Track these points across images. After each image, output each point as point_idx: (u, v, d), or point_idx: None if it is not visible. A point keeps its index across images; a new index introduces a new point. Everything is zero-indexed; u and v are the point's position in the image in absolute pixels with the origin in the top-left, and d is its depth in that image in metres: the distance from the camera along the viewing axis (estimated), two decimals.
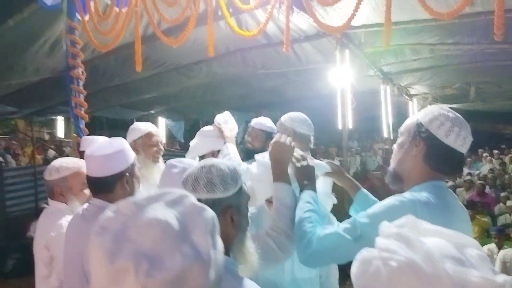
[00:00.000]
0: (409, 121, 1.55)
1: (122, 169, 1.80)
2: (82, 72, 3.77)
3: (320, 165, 1.92)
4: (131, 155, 1.89)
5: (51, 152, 14.22)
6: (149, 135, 2.68)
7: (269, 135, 3.19)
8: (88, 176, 1.85)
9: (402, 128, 1.57)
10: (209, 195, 1.26)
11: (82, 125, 3.79)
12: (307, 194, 1.67)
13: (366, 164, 13.64)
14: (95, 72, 5.70)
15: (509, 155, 12.18)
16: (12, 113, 7.80)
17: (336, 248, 1.43)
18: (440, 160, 1.46)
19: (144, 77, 6.67)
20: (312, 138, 2.53)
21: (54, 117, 11.14)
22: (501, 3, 2.21)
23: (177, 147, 15.32)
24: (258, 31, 3.14)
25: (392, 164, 1.57)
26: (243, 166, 2.28)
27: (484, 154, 12.82)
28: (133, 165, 1.87)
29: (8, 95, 6.45)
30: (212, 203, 1.21)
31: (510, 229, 5.74)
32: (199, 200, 1.18)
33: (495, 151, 13.43)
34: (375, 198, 1.90)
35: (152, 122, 10.58)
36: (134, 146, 2.61)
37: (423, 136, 1.46)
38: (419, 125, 1.48)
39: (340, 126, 5.96)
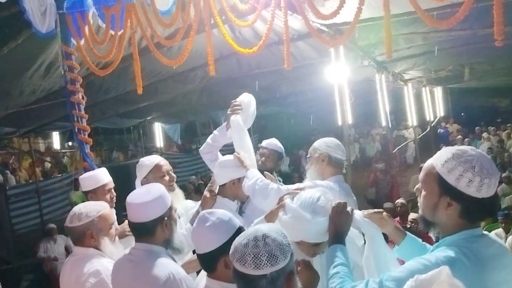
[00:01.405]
0: (428, 170, 1.49)
1: (161, 213, 1.93)
2: (83, 96, 3.75)
3: (367, 226, 1.87)
4: (169, 199, 2.00)
5: (48, 164, 14.19)
6: (157, 167, 2.75)
7: (280, 155, 3.30)
8: (130, 222, 1.96)
9: (421, 177, 1.52)
10: (273, 268, 1.24)
11: (87, 149, 3.78)
12: (336, 247, 1.68)
13: (365, 151, 13.69)
14: (91, 87, 5.68)
15: (506, 131, 12.22)
16: (10, 134, 7.77)
17: None
18: (477, 213, 1.45)
19: None
20: (345, 163, 2.56)
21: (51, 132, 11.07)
22: (500, 9, 2.22)
23: (175, 149, 15.36)
24: (258, 48, 3.14)
25: (423, 212, 1.53)
26: (273, 185, 2.34)
27: (484, 134, 12.86)
28: (170, 208, 1.99)
29: (6, 117, 6.43)
30: (276, 276, 1.25)
31: None
32: (263, 276, 1.23)
33: (491, 128, 13.47)
34: (422, 243, 1.87)
35: (148, 128, 10.59)
36: (147, 182, 2.67)
37: (455, 196, 1.42)
38: (445, 183, 1.42)
39: (340, 122, 5.96)
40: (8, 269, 6.41)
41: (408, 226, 4.95)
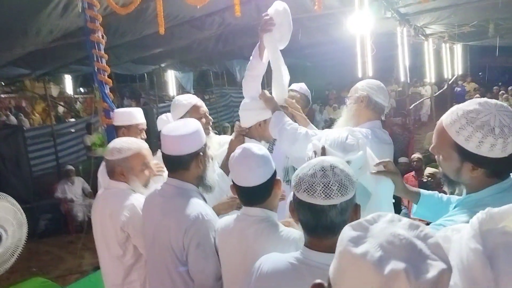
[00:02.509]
0: (443, 138, 1.37)
1: (197, 148, 1.92)
2: (102, 35, 3.67)
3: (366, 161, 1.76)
4: (204, 136, 1.99)
5: (62, 109, 14.28)
6: (195, 108, 2.60)
7: (308, 101, 3.14)
8: (165, 154, 1.94)
9: (435, 142, 1.42)
10: (343, 198, 1.22)
11: (107, 90, 3.75)
12: None
13: None
14: (107, 30, 5.54)
15: None
16: (25, 75, 7.74)
17: None
18: (507, 169, 1.36)
19: (155, 32, 6.51)
20: (386, 109, 2.41)
21: (66, 75, 11.03)
22: None
23: None
24: None
25: (445, 173, 1.45)
26: (302, 130, 2.28)
27: (500, 92, 12.63)
28: (205, 145, 1.98)
29: (21, 58, 6.38)
30: (345, 206, 1.22)
31: None
32: (334, 206, 1.20)
33: (510, 88, 13.20)
34: (439, 197, 1.81)
35: (161, 75, 10.54)
36: None
37: (478, 162, 1.32)
38: (464, 151, 1.32)
39: (360, 74, 5.85)
40: (27, 208, 6.57)
41: (425, 180, 4.96)
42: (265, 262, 1.34)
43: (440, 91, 12.38)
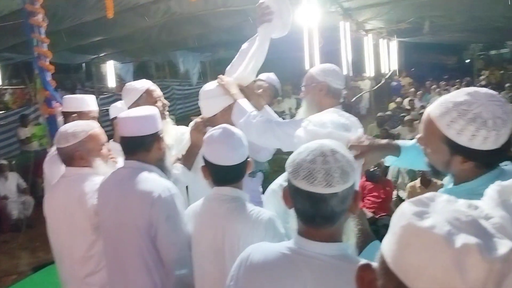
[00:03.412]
0: (431, 130, 1.32)
1: (157, 130, 1.90)
2: (43, 18, 3.42)
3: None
4: (160, 121, 1.96)
5: None
6: (149, 92, 2.46)
7: (276, 92, 3.08)
8: (126, 137, 1.88)
9: (425, 135, 1.37)
10: (344, 185, 1.13)
11: (49, 77, 3.51)
12: None
13: None
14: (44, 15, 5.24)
15: (455, 86, 12.78)
16: None
17: None
18: (497, 160, 1.32)
19: (97, 19, 6.20)
20: (344, 92, 2.36)
21: None
22: None
23: None
24: None
25: (432, 164, 1.41)
26: (270, 119, 2.23)
27: (433, 86, 13.38)
28: (161, 130, 1.96)
29: None
30: (346, 194, 1.15)
31: None
32: (335, 194, 1.11)
33: (442, 83, 14.03)
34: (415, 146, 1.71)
35: (101, 66, 10.09)
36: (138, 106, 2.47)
37: (469, 155, 1.28)
38: (455, 145, 1.27)
39: (307, 66, 5.92)
40: None
41: (371, 169, 5.12)
42: (254, 252, 1.25)
43: (378, 85, 12.89)
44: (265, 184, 2.85)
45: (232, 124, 2.46)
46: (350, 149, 1.72)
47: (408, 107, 10.86)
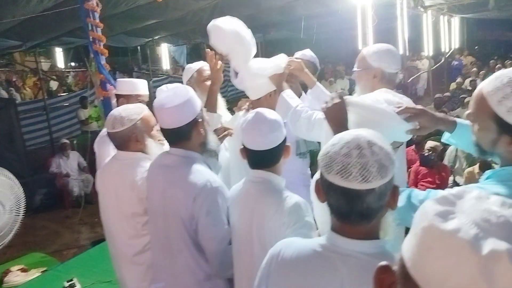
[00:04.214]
0: (481, 106, 1.25)
1: (194, 116, 1.85)
2: (97, 3, 3.52)
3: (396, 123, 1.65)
4: (198, 100, 1.91)
5: (53, 84, 14.01)
6: (199, 71, 2.67)
7: (316, 67, 2.96)
8: (164, 129, 1.88)
9: (474, 111, 1.30)
10: (383, 180, 1.04)
11: (103, 61, 3.63)
12: None
13: None
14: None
15: None
16: (15, 47, 7.52)
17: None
18: None
19: (149, 2, 6.32)
20: (400, 75, 2.24)
21: (56, 48, 10.76)
22: None
23: (181, 72, 15.05)
24: None
25: (478, 142, 1.35)
26: (318, 114, 2.10)
27: (497, 66, 12.53)
28: (202, 109, 1.92)
29: (11, 29, 6.16)
30: (384, 189, 1.06)
31: None
32: (372, 190, 1.04)
33: (508, 62, 13.11)
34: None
35: (154, 49, 10.29)
36: (190, 85, 2.57)
37: (510, 131, 1.22)
38: (504, 124, 1.20)
39: (360, 46, 5.74)
40: (22, 183, 6.48)
41: (426, 154, 4.92)
42: (286, 248, 1.19)
43: (437, 65, 12.27)
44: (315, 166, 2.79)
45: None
46: (401, 113, 1.67)
47: (470, 88, 10.28)
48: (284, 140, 1.71)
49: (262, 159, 1.70)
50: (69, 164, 6.91)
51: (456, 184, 5.35)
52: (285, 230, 1.53)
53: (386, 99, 1.70)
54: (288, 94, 2.26)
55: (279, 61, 2.37)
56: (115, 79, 11.11)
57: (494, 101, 1.20)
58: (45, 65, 14.86)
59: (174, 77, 12.85)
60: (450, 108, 8.33)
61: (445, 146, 5.77)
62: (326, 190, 1.11)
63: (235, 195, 1.79)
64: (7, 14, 5.11)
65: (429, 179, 4.94)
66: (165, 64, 13.29)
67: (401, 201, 1.29)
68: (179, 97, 1.82)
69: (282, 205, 1.57)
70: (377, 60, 2.10)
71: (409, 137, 1.68)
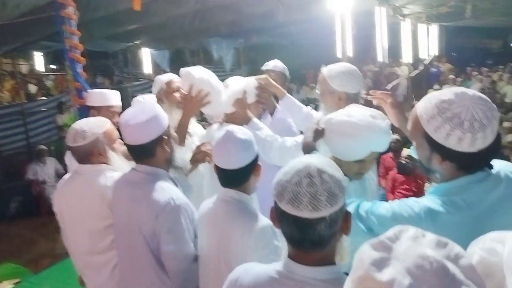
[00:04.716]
0: (415, 125, 1.33)
1: (160, 133, 1.82)
2: (74, 11, 3.49)
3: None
4: (165, 117, 1.88)
5: (32, 87, 13.75)
6: (169, 83, 2.62)
7: (285, 77, 3.08)
8: (128, 145, 1.86)
9: (410, 128, 1.37)
10: (333, 208, 1.05)
11: (80, 69, 3.58)
12: None
13: None
14: (78, 4, 5.34)
15: (497, 72, 12.19)
16: None
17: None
18: (475, 165, 1.30)
19: (130, 7, 6.28)
20: (362, 92, 2.25)
21: (35, 52, 10.59)
22: None
23: None
24: None
25: (420, 159, 1.40)
26: (290, 142, 2.15)
27: (474, 73, 12.80)
28: (168, 126, 1.89)
29: None
30: (335, 217, 1.07)
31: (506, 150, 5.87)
32: (322, 218, 1.04)
33: (484, 69, 13.40)
34: None
35: (136, 53, 10.26)
36: (159, 97, 2.60)
37: (446, 154, 1.28)
38: (433, 141, 1.28)
39: (339, 54, 5.80)
40: None
41: (403, 162, 4.99)
42: (244, 275, 1.20)
43: (416, 71, 12.47)
44: None
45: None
46: (373, 98, 1.78)
47: None
48: (255, 159, 1.71)
49: (232, 178, 1.69)
50: (46, 170, 6.80)
51: None
52: (252, 253, 1.52)
53: (357, 111, 1.72)
54: (253, 126, 2.24)
55: (239, 87, 2.37)
56: (96, 83, 10.96)
57: (424, 120, 1.28)
58: (24, 67, 14.58)
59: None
60: None
61: None
62: (279, 218, 1.12)
63: (205, 213, 1.77)
64: None
65: (406, 186, 5.01)
66: (147, 68, 13.20)
67: (350, 210, 1.33)
68: (145, 113, 1.79)
69: (250, 228, 1.56)
70: (340, 85, 2.13)
71: (386, 147, 1.71)
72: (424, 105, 1.30)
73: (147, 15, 6.95)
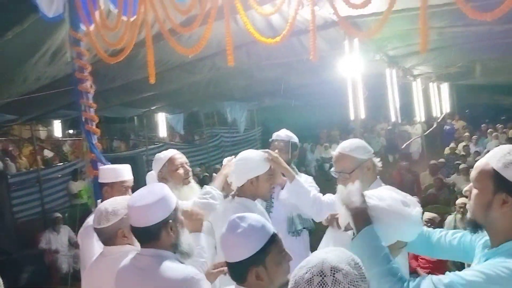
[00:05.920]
0: (482, 168, 1.40)
1: (165, 216, 1.79)
2: (91, 85, 3.59)
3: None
4: (173, 200, 1.85)
5: (49, 152, 14.01)
6: (171, 160, 2.65)
7: (294, 145, 3.13)
8: (133, 227, 1.83)
9: (474, 175, 1.43)
10: None
11: (95, 140, 3.63)
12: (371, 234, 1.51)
13: (371, 145, 13.57)
14: (96, 75, 5.51)
15: None
16: (12, 121, 7.61)
17: None
18: None
19: (145, 77, 6.48)
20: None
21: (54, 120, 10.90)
22: None
23: (178, 139, 15.21)
24: (282, 37, 2.97)
25: (473, 214, 1.44)
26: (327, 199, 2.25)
27: (489, 130, 12.70)
28: (176, 209, 1.85)
29: (8, 104, 6.25)
30: None
31: None
32: None
33: (499, 125, 13.33)
34: (425, 231, 1.82)
35: (152, 117, 10.46)
36: (162, 176, 2.61)
37: (506, 188, 1.33)
38: (501, 178, 1.34)
39: (352, 117, 5.83)
40: (9, 259, 6.28)
41: (423, 225, 4.82)
42: None
43: (430, 129, 12.47)
44: (315, 243, 2.69)
45: (260, 197, 2.46)
46: None
47: (463, 153, 10.33)
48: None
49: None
50: (59, 239, 6.73)
51: None
52: None
53: (390, 196, 1.66)
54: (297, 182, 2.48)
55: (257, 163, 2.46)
56: (112, 147, 11.07)
57: (494, 161, 1.36)
58: (42, 133, 14.96)
59: (171, 144, 12.94)
60: (445, 174, 8.31)
61: (443, 216, 5.69)
62: None
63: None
64: (4, 92, 5.20)
65: None
66: (162, 132, 13.44)
67: None
68: (151, 195, 1.78)
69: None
70: (363, 153, 2.22)
71: (414, 237, 1.63)
72: (494, 152, 1.41)
73: (163, 82, 7.14)
